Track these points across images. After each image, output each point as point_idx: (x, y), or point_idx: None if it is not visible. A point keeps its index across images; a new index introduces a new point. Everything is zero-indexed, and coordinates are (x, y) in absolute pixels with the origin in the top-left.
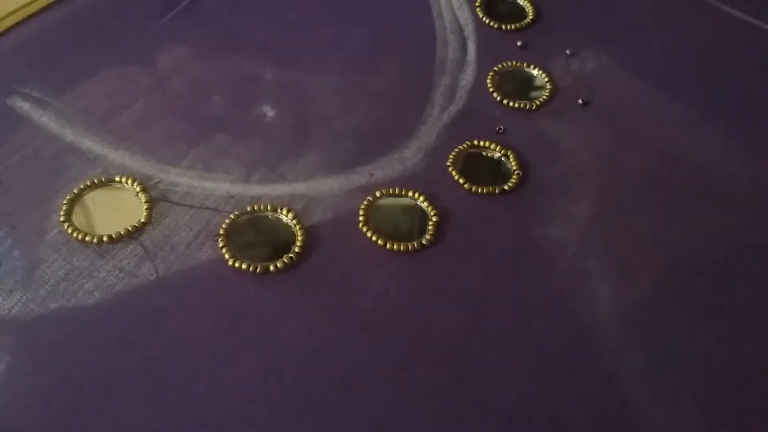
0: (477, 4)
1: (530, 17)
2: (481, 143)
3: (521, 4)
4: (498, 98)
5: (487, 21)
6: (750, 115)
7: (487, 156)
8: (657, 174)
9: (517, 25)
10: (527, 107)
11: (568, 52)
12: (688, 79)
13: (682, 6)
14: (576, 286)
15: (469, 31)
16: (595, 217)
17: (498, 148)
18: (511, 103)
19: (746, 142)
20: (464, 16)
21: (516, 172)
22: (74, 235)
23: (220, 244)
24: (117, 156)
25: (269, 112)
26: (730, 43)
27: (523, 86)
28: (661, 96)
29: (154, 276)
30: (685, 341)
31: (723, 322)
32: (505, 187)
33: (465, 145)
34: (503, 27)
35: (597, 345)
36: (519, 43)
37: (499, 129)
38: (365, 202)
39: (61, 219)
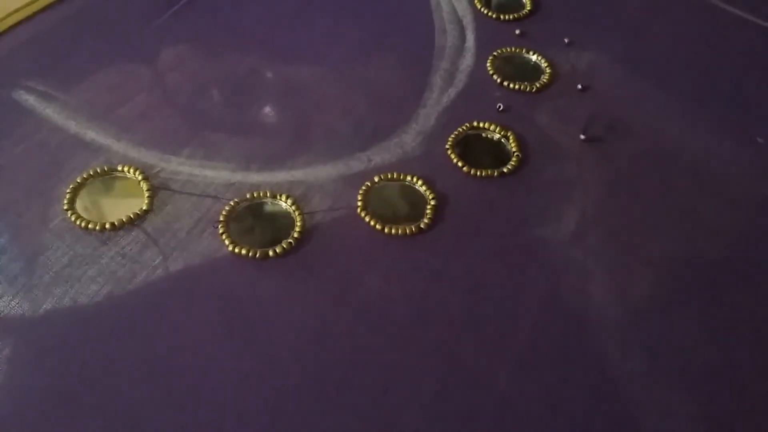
0: None
1: (528, 8)
2: (481, 124)
3: None
4: (498, 80)
5: (485, 11)
6: (744, 107)
7: (486, 137)
8: (655, 168)
9: (515, 16)
10: (528, 89)
11: (566, 40)
12: (683, 72)
13: (678, 0)
14: (572, 276)
15: (468, 20)
16: (592, 204)
17: (498, 129)
18: (511, 85)
19: (740, 134)
20: (462, 6)
21: (516, 154)
22: (77, 222)
23: (220, 231)
24: (120, 146)
25: (268, 102)
26: (726, 38)
27: (523, 70)
28: (656, 87)
29: (157, 261)
30: (685, 339)
31: (722, 321)
32: (504, 170)
33: (464, 127)
34: (501, 17)
35: (591, 333)
36: (517, 32)
37: (500, 106)
38: (363, 188)
39: (65, 207)
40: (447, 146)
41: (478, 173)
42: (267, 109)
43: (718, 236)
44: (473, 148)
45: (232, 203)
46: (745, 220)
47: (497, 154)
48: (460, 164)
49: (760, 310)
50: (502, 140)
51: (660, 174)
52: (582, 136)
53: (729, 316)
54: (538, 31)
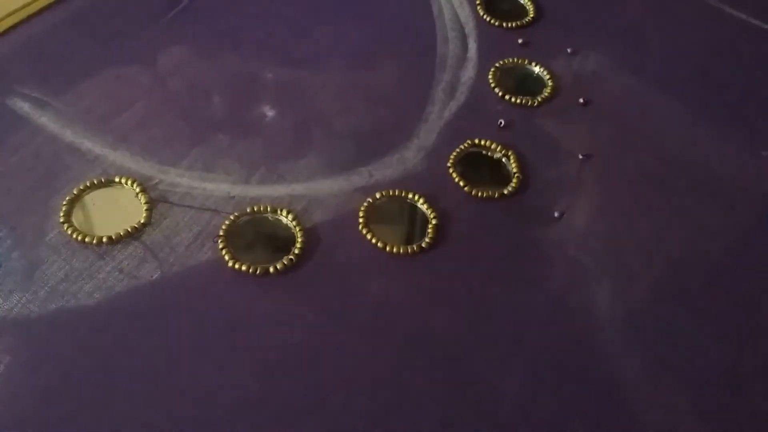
0: (477, 2)
1: (531, 15)
2: (482, 142)
3: (522, 2)
4: (500, 94)
5: (488, 19)
6: (750, 114)
7: (487, 156)
8: (657, 173)
9: (518, 24)
10: (529, 103)
11: (569, 50)
12: (688, 78)
13: (682, 6)
14: (575, 290)
15: (470, 28)
16: (596, 217)
17: (499, 148)
18: (512, 99)
19: (746, 142)
20: (465, 14)
21: (516, 175)
22: (74, 236)
23: (220, 246)
24: (117, 157)
25: (269, 112)
26: (730, 43)
27: (525, 83)
28: (661, 96)
29: (155, 276)
30: (685, 342)
31: (723, 323)
32: (505, 192)
33: (466, 145)
34: (504, 25)
35: (596, 347)
36: (520, 41)
37: (501, 123)
38: (365, 204)
39: (61, 220)
40: (449, 164)
41: (480, 194)
42: (267, 120)
43: (726, 242)
44: (474, 166)
45: (232, 217)
46: (748, 230)
47: (498, 173)
48: (461, 183)
49: (760, 310)
50: (503, 159)
51: (664, 184)
52: (581, 156)
53: (736, 321)
54: (541, 39)
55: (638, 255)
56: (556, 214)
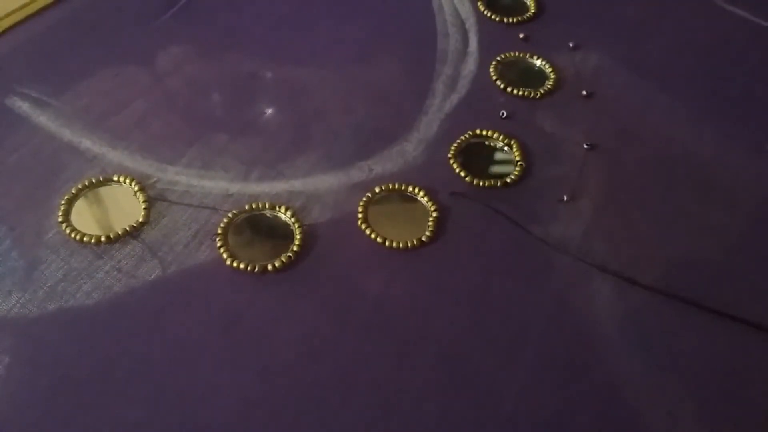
0: None
1: (532, 11)
2: (484, 132)
3: None
4: (502, 86)
5: (489, 14)
6: (751, 111)
7: (489, 146)
8: (658, 170)
9: (519, 19)
10: (531, 95)
11: (571, 44)
12: (689, 74)
13: (683, 2)
14: (577, 285)
15: (471, 23)
16: (597, 212)
17: (501, 137)
18: (515, 91)
19: (748, 140)
20: (465, 9)
21: (519, 163)
22: (72, 235)
23: (219, 243)
24: (115, 155)
25: (268, 109)
26: (731, 40)
27: (527, 76)
28: (662, 92)
29: (154, 275)
30: (686, 341)
31: (724, 322)
32: (507, 180)
33: (467, 135)
34: (505, 20)
35: (597, 344)
36: (521, 36)
37: (503, 114)
38: (364, 199)
39: (59, 219)
40: (449, 155)
41: (481, 183)
42: (266, 117)
43: (727, 241)
44: (476, 156)
45: (230, 215)
46: (751, 227)
47: (500, 162)
48: (462, 174)
49: (760, 310)
50: (506, 149)
51: (666, 181)
52: (585, 145)
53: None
54: (542, 34)
55: (639, 252)
56: (565, 198)
